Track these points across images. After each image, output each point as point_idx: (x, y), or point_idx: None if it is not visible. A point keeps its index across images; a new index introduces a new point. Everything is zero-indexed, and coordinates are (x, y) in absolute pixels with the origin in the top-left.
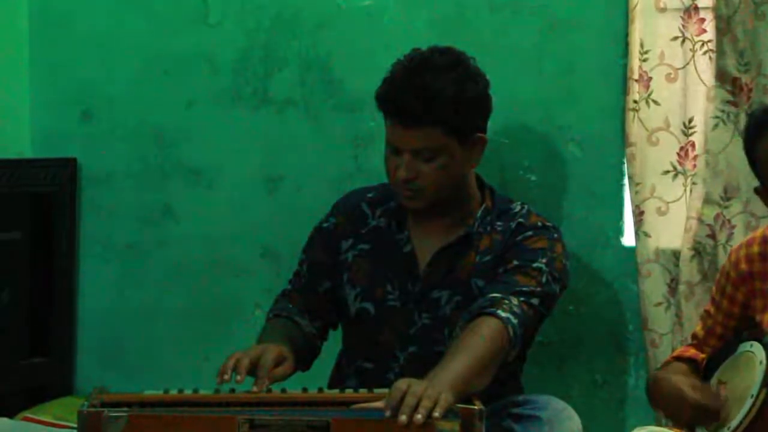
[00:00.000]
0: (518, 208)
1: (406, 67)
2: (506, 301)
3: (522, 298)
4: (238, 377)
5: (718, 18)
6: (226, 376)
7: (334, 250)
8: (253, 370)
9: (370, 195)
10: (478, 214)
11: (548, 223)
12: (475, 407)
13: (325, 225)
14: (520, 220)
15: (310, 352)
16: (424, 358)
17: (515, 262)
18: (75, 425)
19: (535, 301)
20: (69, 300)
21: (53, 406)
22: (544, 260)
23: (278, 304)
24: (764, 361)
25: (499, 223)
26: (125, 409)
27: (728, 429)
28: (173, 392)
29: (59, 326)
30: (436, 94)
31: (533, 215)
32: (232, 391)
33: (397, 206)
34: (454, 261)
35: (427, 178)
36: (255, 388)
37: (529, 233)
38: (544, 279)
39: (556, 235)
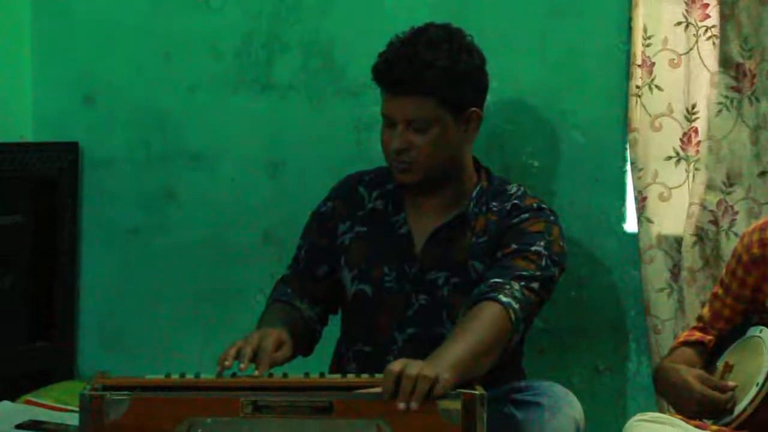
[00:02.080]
0: (514, 189)
1: (401, 39)
2: (507, 286)
3: (523, 283)
4: (242, 365)
5: (722, 3)
6: (227, 362)
7: (332, 234)
8: (253, 357)
9: (366, 178)
10: (474, 194)
11: (544, 205)
12: (477, 392)
13: (322, 209)
14: (515, 201)
15: (310, 337)
16: (422, 339)
17: (514, 246)
18: (77, 409)
19: (535, 285)
20: (71, 284)
21: (55, 390)
22: (542, 243)
23: (277, 289)
24: None
25: (494, 204)
26: (127, 392)
27: (732, 415)
28: (175, 376)
29: (61, 310)
30: (428, 64)
31: (529, 197)
32: (234, 375)
33: (393, 188)
34: (450, 242)
35: (420, 149)
36: (257, 373)
37: (526, 216)
38: (543, 263)
39: (552, 218)
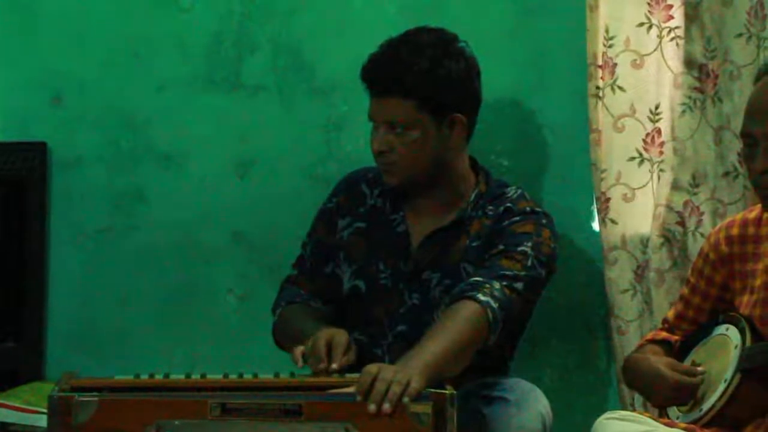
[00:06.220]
0: (511, 192)
1: (389, 42)
2: (487, 285)
3: (505, 283)
4: (299, 364)
5: (686, 4)
6: (322, 366)
7: (334, 229)
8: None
9: (370, 175)
10: (471, 198)
11: (538, 209)
12: (446, 392)
13: (328, 205)
14: (509, 204)
15: None
16: (411, 337)
17: (500, 247)
18: (45, 410)
19: (518, 285)
20: (39, 285)
21: (23, 391)
22: (529, 244)
23: (286, 291)
24: (739, 346)
25: (490, 207)
26: (95, 393)
27: (700, 411)
28: (144, 377)
29: (30, 311)
30: (408, 66)
31: (523, 200)
32: (203, 375)
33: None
34: (446, 244)
35: (399, 151)
36: (335, 366)
37: (517, 218)
38: (529, 263)
39: (544, 221)
